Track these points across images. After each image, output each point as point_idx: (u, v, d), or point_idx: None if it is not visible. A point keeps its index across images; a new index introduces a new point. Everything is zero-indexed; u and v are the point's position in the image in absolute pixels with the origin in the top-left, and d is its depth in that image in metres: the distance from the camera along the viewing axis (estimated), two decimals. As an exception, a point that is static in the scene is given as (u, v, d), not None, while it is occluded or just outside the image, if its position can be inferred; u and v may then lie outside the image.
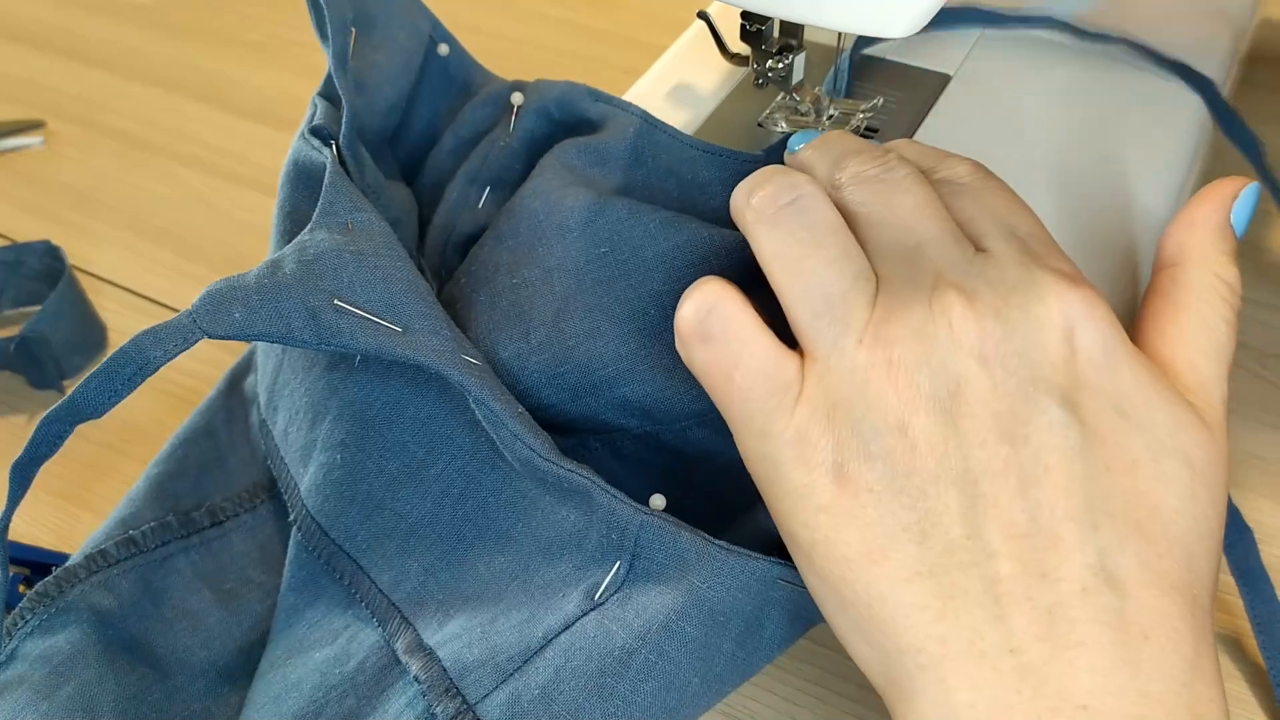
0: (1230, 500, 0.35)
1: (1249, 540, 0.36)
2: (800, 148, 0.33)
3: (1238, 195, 0.30)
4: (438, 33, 0.42)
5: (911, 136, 0.40)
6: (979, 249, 0.28)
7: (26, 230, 0.56)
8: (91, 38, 0.70)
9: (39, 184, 0.59)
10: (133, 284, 0.53)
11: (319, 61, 0.66)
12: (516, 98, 0.39)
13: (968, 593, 0.25)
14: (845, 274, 0.28)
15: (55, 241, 0.51)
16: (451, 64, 0.43)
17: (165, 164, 0.60)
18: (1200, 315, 0.28)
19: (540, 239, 0.34)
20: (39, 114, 0.63)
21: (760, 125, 0.41)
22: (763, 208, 0.29)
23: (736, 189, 0.30)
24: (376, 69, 0.40)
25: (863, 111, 0.40)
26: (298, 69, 0.66)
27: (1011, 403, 0.26)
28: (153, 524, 0.36)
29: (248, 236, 0.55)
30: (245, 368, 0.42)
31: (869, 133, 0.40)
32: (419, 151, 0.42)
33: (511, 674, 0.29)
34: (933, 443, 0.26)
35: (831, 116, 0.40)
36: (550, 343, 0.33)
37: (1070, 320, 0.26)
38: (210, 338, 0.29)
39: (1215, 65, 0.44)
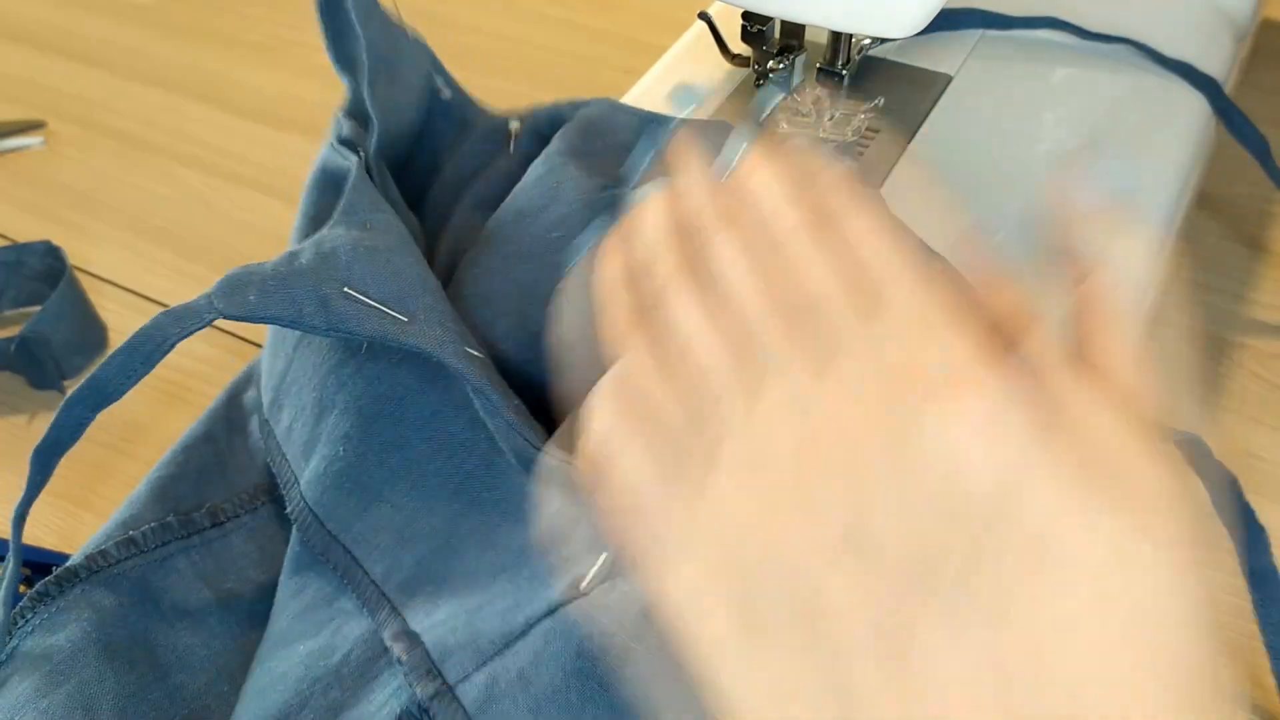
0: (1246, 502, 0.35)
1: (1263, 542, 0.36)
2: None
3: None
4: (439, 75, 0.44)
5: (913, 137, 0.40)
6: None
7: (27, 230, 0.56)
8: (91, 38, 0.70)
9: (39, 184, 0.59)
10: (133, 284, 0.53)
11: (319, 62, 0.66)
12: (514, 125, 0.41)
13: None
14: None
15: (56, 242, 0.51)
16: (452, 105, 0.44)
17: (165, 164, 0.60)
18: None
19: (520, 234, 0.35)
20: (39, 114, 0.63)
21: (761, 125, 0.41)
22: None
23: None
24: (390, 100, 0.40)
25: (864, 112, 0.40)
26: (298, 69, 0.66)
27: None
28: (153, 525, 0.36)
29: (248, 236, 0.55)
30: (245, 381, 0.42)
31: (870, 134, 0.40)
32: (422, 187, 0.43)
33: (491, 657, 0.29)
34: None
35: (833, 117, 0.40)
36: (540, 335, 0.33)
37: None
38: (225, 318, 0.30)
39: (1217, 67, 0.44)
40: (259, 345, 0.49)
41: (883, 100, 0.41)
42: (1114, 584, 0.21)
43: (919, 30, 0.31)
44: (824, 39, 0.41)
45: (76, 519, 0.43)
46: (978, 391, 0.22)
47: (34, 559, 0.41)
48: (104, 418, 0.47)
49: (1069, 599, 0.21)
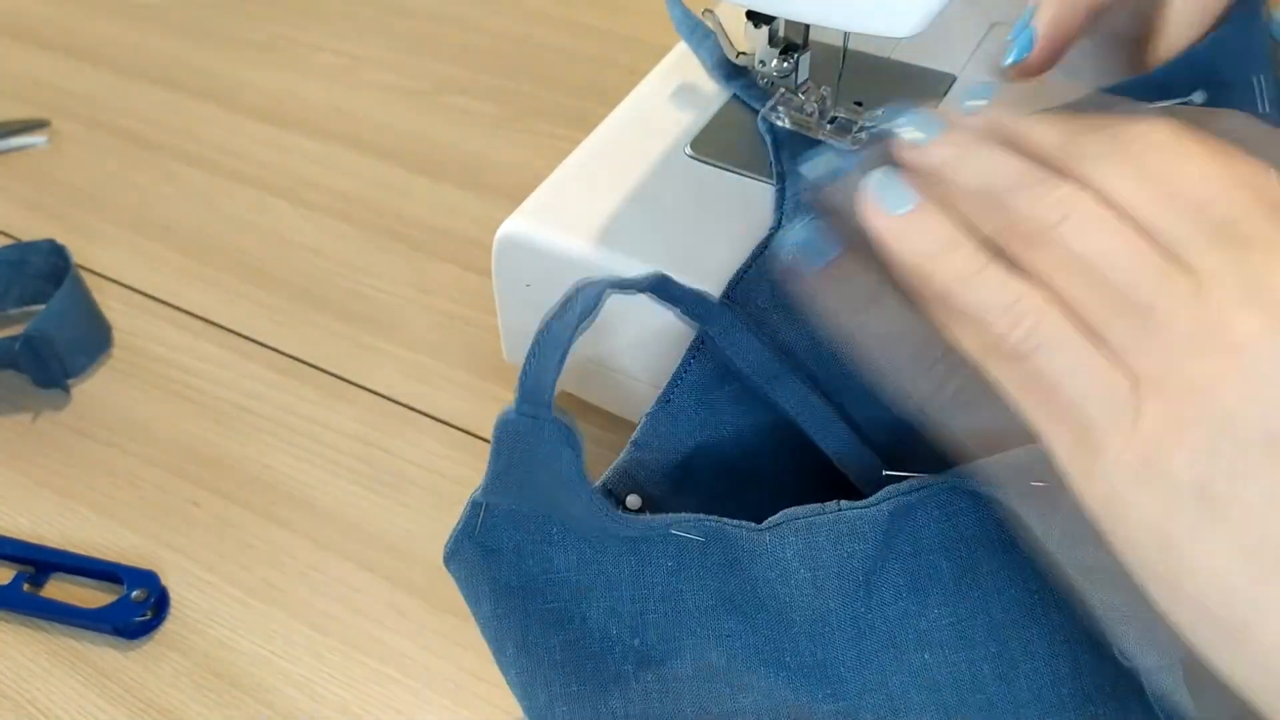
0: None
1: None
2: (938, 156, 0.29)
3: None
4: None
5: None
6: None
7: (31, 229, 0.56)
8: (96, 37, 0.70)
9: (43, 183, 0.59)
10: (137, 282, 0.53)
11: (321, 61, 0.67)
12: None
13: None
14: (1147, 269, 0.25)
15: (60, 240, 0.51)
16: None
17: (169, 163, 0.60)
18: None
19: None
20: (44, 113, 0.64)
21: (762, 118, 0.41)
22: (1001, 346, 0.26)
23: (962, 314, 0.27)
24: None
25: (865, 120, 0.40)
26: (301, 69, 0.66)
27: None
28: None
29: (251, 235, 0.55)
30: None
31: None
32: None
33: None
34: None
35: (834, 119, 0.40)
36: None
37: None
38: None
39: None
40: (264, 345, 0.49)
41: (883, 110, 0.40)
42: None
43: (921, 30, 0.31)
44: (827, 38, 0.41)
45: (78, 516, 0.43)
46: None
47: (35, 556, 0.41)
48: (106, 416, 0.47)
49: None
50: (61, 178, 0.60)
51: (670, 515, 0.31)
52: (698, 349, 0.35)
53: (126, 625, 0.38)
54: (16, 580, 0.40)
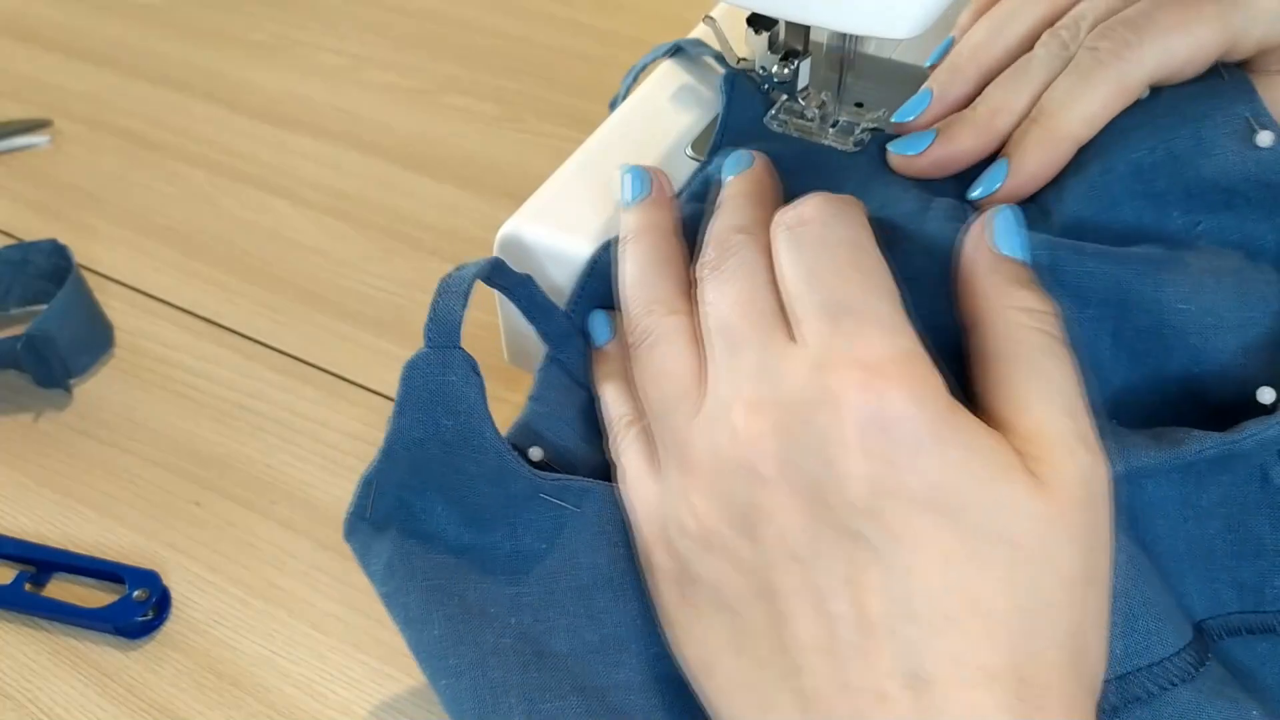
0: None
1: None
2: (727, 190, 0.35)
3: (991, 225, 0.29)
4: None
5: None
6: (793, 335, 0.28)
7: (33, 229, 0.56)
8: (98, 37, 0.70)
9: (45, 183, 0.59)
10: (139, 283, 0.53)
11: (324, 61, 0.67)
12: None
13: (780, 706, 0.26)
14: (672, 392, 0.30)
15: (62, 240, 0.51)
16: None
17: (171, 163, 0.60)
18: (1027, 363, 0.27)
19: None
20: (45, 113, 0.64)
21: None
22: (634, 342, 0.32)
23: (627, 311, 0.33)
24: None
25: (868, 121, 0.40)
26: (303, 69, 0.67)
27: (803, 519, 0.26)
28: None
29: (253, 235, 0.55)
30: None
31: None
32: None
33: None
34: (739, 561, 0.27)
35: (836, 123, 0.40)
36: None
37: (865, 428, 0.25)
38: None
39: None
40: (268, 346, 0.49)
41: (885, 111, 0.40)
42: (989, 528, 0.25)
43: (921, 30, 0.31)
44: (827, 39, 0.41)
45: (80, 515, 0.43)
46: (895, 377, 0.25)
47: (36, 556, 0.41)
48: (107, 415, 0.47)
49: (949, 544, 0.25)
50: (63, 178, 0.60)
51: (555, 474, 0.33)
52: (578, 298, 0.37)
53: (128, 625, 0.38)
54: (18, 580, 0.40)
